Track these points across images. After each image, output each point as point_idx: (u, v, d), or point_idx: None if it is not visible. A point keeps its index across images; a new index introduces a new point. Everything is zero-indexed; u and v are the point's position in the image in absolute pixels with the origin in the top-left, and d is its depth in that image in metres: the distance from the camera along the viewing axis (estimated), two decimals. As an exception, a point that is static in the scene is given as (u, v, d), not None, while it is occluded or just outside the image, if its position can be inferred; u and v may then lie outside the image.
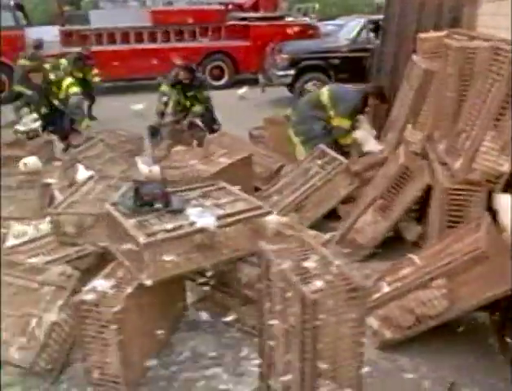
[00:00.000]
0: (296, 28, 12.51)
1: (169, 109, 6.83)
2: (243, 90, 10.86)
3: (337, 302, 2.12)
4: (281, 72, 9.91)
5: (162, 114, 6.70)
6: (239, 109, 9.71)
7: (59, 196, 4.72)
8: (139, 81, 12.40)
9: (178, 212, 2.92)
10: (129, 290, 2.69)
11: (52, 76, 6.29)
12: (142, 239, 2.59)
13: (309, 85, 9.78)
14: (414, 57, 4.54)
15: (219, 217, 2.85)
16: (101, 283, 2.76)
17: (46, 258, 3.62)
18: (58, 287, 3.05)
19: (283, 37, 11.93)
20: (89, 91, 9.26)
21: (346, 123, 4.97)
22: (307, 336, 2.10)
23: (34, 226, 4.31)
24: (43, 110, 6.28)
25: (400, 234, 4.16)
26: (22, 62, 8.54)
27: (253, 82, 11.54)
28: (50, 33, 11.38)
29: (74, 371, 2.93)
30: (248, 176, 4.77)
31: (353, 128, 5.01)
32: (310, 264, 2.30)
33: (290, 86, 10.13)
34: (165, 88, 6.72)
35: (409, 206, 3.94)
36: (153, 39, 12.24)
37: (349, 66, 9.63)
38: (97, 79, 9.41)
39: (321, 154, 4.54)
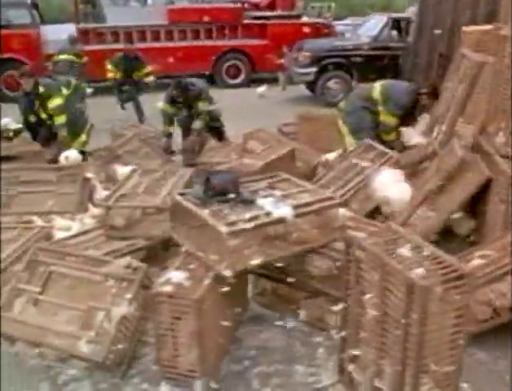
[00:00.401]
0: (313, 27, 12.44)
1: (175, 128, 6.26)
2: (262, 89, 10.77)
3: (443, 290, 2.06)
4: (303, 70, 9.84)
5: (170, 134, 6.13)
6: (259, 107, 9.64)
7: (100, 190, 4.67)
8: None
9: (250, 202, 2.86)
10: (207, 281, 2.62)
11: (41, 89, 5.36)
12: (224, 229, 2.52)
13: (331, 83, 9.75)
14: (463, 50, 4.47)
15: (295, 207, 2.78)
16: (175, 275, 2.70)
17: (97, 252, 3.56)
18: (124, 280, 2.99)
19: (300, 35, 11.85)
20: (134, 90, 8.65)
21: (392, 120, 4.90)
22: (413, 326, 2.04)
23: (79, 221, 4.25)
24: (31, 118, 5.56)
25: (450, 228, 4.10)
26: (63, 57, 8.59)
27: (270, 81, 11.52)
28: (66, 31, 11.27)
29: (144, 365, 2.87)
30: (291, 170, 4.70)
31: (399, 126, 4.93)
32: (405, 251, 2.24)
33: (312, 84, 10.07)
34: (165, 107, 6.17)
35: (465, 200, 3.88)
36: (170, 37, 12.17)
37: (371, 64, 9.59)
38: (151, 78, 8.60)
39: (369, 148, 4.47)
